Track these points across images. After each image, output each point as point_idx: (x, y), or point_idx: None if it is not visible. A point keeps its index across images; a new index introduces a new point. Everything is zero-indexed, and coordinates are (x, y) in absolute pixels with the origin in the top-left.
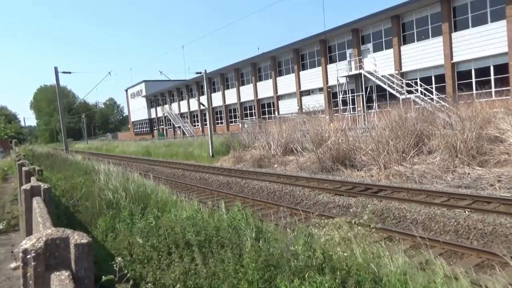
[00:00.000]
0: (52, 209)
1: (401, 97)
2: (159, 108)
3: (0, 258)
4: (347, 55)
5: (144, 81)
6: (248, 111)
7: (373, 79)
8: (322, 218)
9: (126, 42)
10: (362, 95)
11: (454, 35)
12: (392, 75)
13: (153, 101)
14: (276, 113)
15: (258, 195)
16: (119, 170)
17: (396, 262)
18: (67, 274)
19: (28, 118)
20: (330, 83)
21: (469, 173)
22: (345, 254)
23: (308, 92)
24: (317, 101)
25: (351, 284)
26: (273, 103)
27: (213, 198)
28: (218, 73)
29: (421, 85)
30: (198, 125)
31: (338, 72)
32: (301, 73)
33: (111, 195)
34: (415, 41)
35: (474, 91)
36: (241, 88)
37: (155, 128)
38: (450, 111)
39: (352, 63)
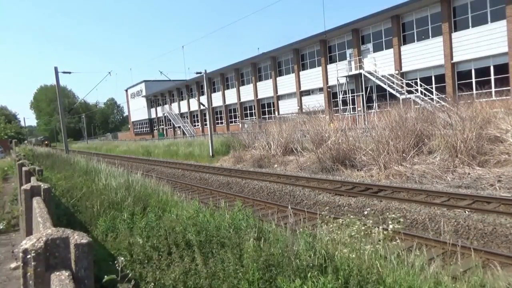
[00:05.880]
0: (52, 209)
1: (401, 97)
2: (159, 108)
3: (0, 258)
4: (347, 55)
5: (144, 81)
6: (248, 111)
7: (373, 79)
8: (328, 218)
9: (126, 42)
10: (362, 95)
11: (454, 35)
12: (392, 75)
13: (153, 101)
14: (276, 113)
15: (258, 195)
16: (120, 170)
17: (403, 264)
18: (67, 274)
19: (28, 118)
20: (330, 83)
21: (469, 173)
22: (352, 255)
23: (308, 92)
24: (317, 101)
25: (354, 284)
26: (273, 103)
27: (214, 198)
28: (218, 73)
29: (421, 85)
30: (198, 125)
31: (338, 72)
32: (301, 73)
33: (112, 195)
34: (415, 41)
35: (474, 91)
36: (241, 88)
37: (155, 128)
38: (450, 111)
39: (352, 63)
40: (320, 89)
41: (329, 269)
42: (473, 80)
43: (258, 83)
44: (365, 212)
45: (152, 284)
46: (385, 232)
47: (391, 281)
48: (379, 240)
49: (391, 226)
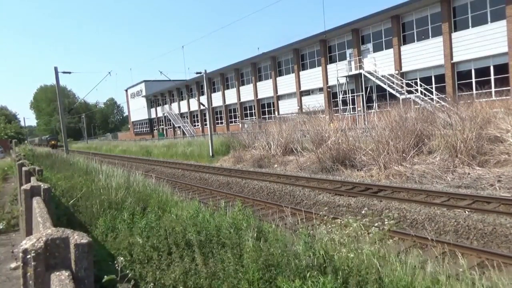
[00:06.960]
0: (52, 209)
1: (401, 97)
2: (159, 108)
3: (0, 258)
4: (347, 55)
5: (144, 81)
6: (248, 111)
7: (373, 79)
8: (326, 218)
9: (126, 42)
10: (362, 95)
11: (454, 35)
12: (392, 75)
13: (153, 101)
14: (276, 113)
15: (258, 195)
16: (119, 170)
17: (401, 263)
18: (67, 274)
19: (28, 118)
20: (330, 83)
21: (469, 173)
22: (351, 255)
23: (308, 92)
24: (317, 101)
25: (353, 284)
26: (273, 103)
27: (213, 198)
28: (218, 73)
29: (421, 85)
30: (198, 125)
31: (338, 72)
32: (301, 73)
33: (112, 195)
34: (415, 41)
35: (474, 91)
36: (241, 88)
37: (155, 128)
38: (450, 111)
39: (352, 63)
40: (320, 89)
41: (328, 269)
42: (473, 80)
43: (258, 83)
44: (363, 212)
45: (152, 284)
46: (380, 230)
47: (390, 281)
48: (376, 241)
49: (386, 222)
